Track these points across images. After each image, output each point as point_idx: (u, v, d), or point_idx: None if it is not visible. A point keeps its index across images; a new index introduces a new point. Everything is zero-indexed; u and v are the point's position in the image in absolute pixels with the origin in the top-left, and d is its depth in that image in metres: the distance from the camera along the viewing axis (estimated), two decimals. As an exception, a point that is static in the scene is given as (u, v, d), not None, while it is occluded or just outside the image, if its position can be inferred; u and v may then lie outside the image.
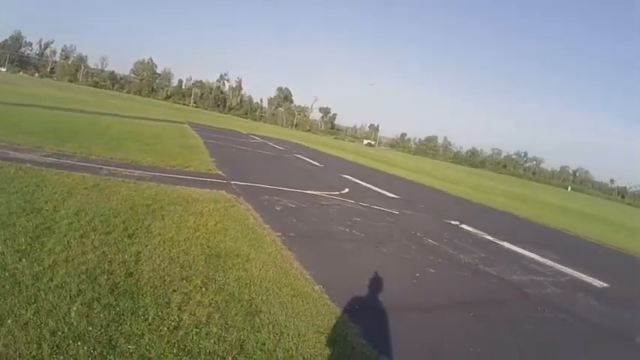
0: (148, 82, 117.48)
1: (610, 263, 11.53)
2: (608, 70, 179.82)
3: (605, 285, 8.05)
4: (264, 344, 3.38)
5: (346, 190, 13.55)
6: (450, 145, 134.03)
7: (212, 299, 3.91)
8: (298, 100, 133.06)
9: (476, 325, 4.98)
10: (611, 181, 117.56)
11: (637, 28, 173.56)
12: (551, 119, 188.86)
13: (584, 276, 8.29)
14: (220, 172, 11.65)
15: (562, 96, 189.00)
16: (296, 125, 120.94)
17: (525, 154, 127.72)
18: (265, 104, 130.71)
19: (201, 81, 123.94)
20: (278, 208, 8.77)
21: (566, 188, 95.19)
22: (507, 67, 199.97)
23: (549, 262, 8.81)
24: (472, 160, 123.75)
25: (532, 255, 9.19)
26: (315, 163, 22.62)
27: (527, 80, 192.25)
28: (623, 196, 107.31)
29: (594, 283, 8.01)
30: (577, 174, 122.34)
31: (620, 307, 7.03)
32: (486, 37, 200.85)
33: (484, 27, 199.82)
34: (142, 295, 3.69)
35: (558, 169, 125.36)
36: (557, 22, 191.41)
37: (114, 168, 9.03)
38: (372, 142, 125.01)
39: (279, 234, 6.68)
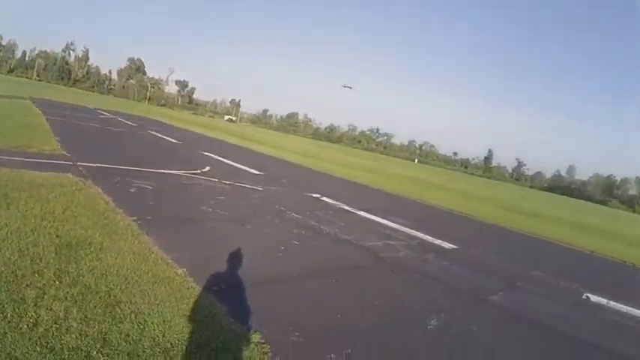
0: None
1: (457, 227, 12.88)
2: (451, 48, 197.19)
3: (454, 247, 8.98)
4: (128, 335, 3.21)
5: (207, 168, 13.23)
6: (310, 121, 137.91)
7: (67, 292, 3.59)
8: (152, 72, 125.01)
9: (339, 291, 5.27)
10: (454, 153, 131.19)
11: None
12: (401, 97, 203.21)
13: (433, 239, 9.16)
14: (65, 153, 10.55)
15: (411, 75, 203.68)
16: (149, 99, 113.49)
17: (377, 130, 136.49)
18: (115, 76, 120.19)
19: (45, 51, 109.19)
20: (132, 190, 8.24)
21: (414, 160, 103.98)
22: (364, 44, 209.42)
23: (402, 228, 9.60)
24: (330, 135, 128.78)
25: (386, 222, 9.95)
26: (172, 140, 21.78)
27: (381, 60, 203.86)
28: (466, 167, 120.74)
29: (444, 246, 8.88)
30: (423, 148, 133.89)
31: (468, 267, 7.83)
32: (339, 16, 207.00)
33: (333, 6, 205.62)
34: (-3, 291, 3.34)
35: (407, 143, 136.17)
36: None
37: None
38: (233, 118, 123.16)
39: (135, 218, 6.25)
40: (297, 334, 3.86)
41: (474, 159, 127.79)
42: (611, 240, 17.35)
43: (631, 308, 7.05)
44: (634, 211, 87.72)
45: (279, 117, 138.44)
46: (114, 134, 19.41)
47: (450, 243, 9.11)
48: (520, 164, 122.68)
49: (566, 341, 5.33)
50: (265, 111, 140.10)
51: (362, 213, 10.56)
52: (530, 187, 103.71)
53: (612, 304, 7.13)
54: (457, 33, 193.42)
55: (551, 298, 7.05)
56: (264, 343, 3.55)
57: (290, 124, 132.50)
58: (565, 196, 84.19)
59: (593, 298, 7.32)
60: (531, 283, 7.60)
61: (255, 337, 3.60)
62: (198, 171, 12.22)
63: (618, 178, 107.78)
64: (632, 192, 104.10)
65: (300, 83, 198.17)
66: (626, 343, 5.74)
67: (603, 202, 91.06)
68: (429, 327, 4.72)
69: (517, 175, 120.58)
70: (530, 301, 6.67)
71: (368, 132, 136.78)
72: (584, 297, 7.34)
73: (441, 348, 4.35)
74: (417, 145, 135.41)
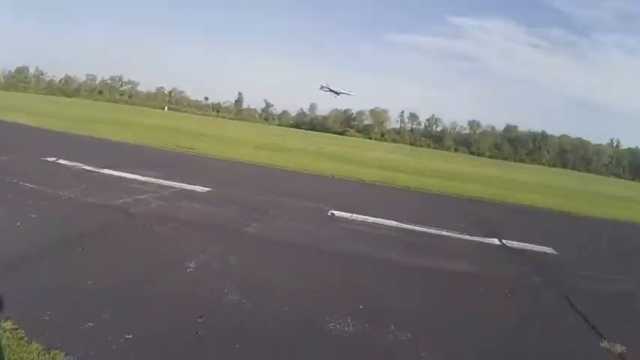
0: None
1: (210, 171, 13.27)
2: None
3: (208, 189, 9.30)
4: None
5: None
6: (43, 75, 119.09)
7: None
8: None
9: (88, 258, 4.96)
10: (206, 98, 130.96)
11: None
12: (146, 42, 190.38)
13: (187, 186, 9.33)
14: None
15: (155, 19, 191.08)
16: None
17: (120, 78, 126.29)
18: None
19: None
20: None
21: (163, 109, 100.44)
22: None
23: (152, 180, 9.45)
24: (66, 88, 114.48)
25: (135, 176, 9.64)
26: None
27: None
28: (217, 111, 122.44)
29: (198, 190, 9.14)
30: (172, 94, 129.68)
31: (223, 206, 8.34)
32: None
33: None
34: None
35: (154, 91, 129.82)
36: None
37: None
38: None
39: None
40: (48, 312, 3.61)
41: (225, 103, 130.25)
42: (348, 164, 20.14)
43: (370, 217, 8.55)
44: (370, 138, 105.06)
45: (6, 72, 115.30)
46: None
47: (203, 187, 9.40)
48: (268, 105, 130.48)
49: (317, 254, 6.27)
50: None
51: (106, 171, 9.95)
52: (278, 125, 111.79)
53: (355, 216, 8.54)
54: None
55: (301, 219, 8.09)
56: (17, 329, 3.30)
57: (20, 80, 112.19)
58: (309, 131, 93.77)
59: (337, 213, 8.61)
60: (282, 209, 8.55)
61: (7, 324, 3.32)
62: None
63: (354, 112, 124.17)
64: (368, 122, 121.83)
65: (30, 35, 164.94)
66: (366, 244, 6.98)
67: (342, 133, 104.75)
68: (188, 270, 4.90)
69: (266, 116, 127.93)
70: (282, 225, 7.54)
71: (110, 81, 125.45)
72: (329, 214, 8.59)
73: (200, 287, 4.55)
74: (165, 91, 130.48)
